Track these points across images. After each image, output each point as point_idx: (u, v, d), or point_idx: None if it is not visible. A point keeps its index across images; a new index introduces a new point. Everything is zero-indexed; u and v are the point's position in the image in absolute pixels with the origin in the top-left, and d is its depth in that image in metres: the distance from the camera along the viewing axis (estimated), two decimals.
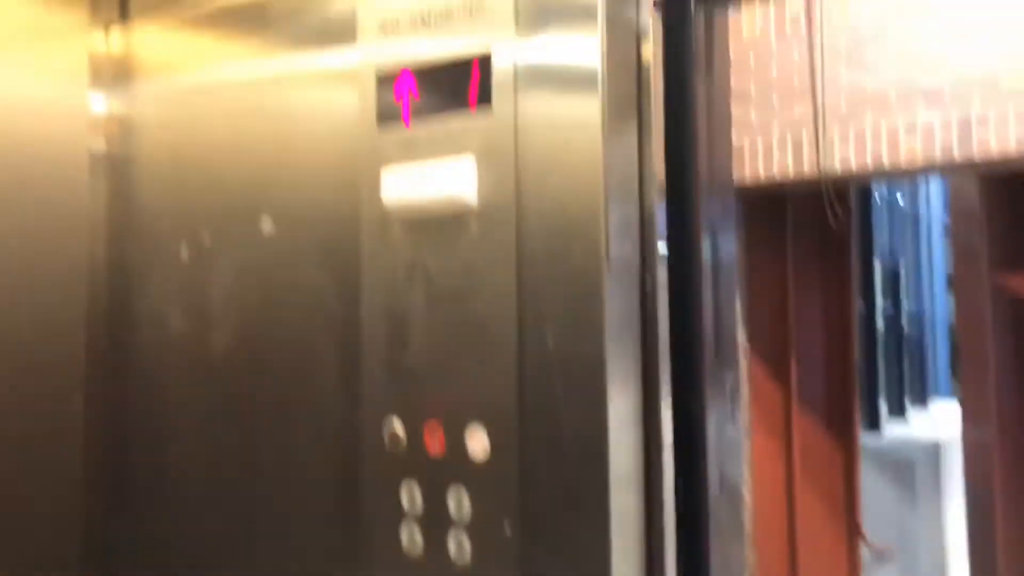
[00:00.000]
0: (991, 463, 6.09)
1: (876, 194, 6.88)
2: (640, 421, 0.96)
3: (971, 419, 6.32)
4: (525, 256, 0.96)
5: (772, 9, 4.23)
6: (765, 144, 4.27)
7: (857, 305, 5.43)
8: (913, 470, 5.36)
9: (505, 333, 0.97)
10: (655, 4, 1.01)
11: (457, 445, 0.99)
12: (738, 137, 4.39)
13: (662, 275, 0.99)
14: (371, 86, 1.07)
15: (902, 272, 7.97)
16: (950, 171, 5.37)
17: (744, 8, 4.37)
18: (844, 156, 4.07)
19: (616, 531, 0.91)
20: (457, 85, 1.01)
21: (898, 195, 8.22)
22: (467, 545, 0.98)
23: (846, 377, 4.83)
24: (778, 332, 4.71)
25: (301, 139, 1.17)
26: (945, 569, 6.31)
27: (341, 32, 1.12)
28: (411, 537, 1.01)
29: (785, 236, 4.79)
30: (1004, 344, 6.13)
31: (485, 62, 0.99)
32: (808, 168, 4.16)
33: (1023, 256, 6.33)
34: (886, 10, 4.01)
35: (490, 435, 0.97)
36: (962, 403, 6.51)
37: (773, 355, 4.71)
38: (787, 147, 4.23)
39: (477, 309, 0.99)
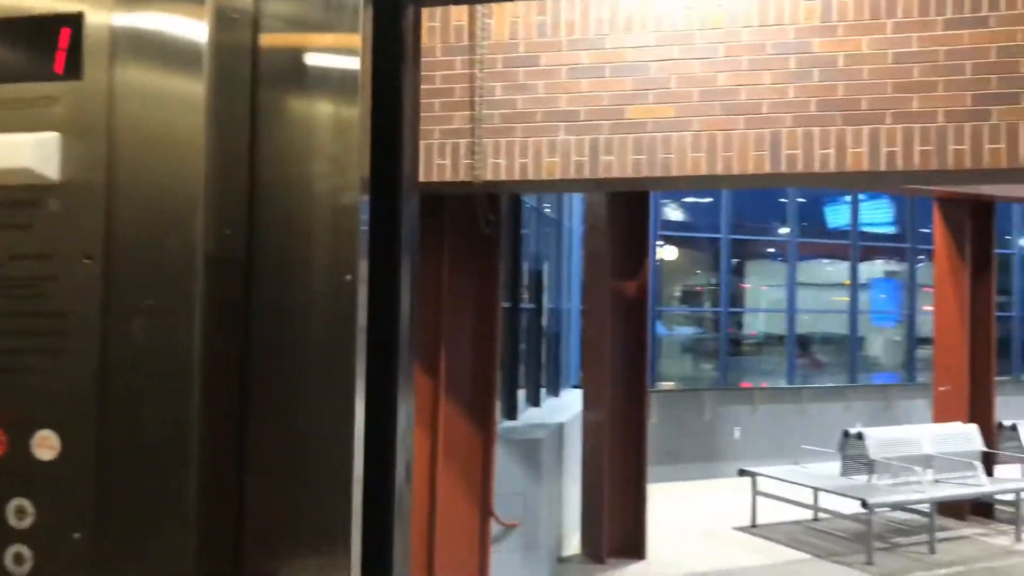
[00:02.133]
0: (603, 439, 7.05)
1: (526, 202, 7.51)
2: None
3: (590, 404, 7.27)
4: (115, 241, 0.89)
5: (439, 20, 4.43)
6: (426, 149, 4.45)
7: (504, 304, 5.90)
8: (539, 448, 6.00)
9: (86, 325, 0.89)
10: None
11: (20, 451, 0.89)
12: None
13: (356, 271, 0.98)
14: None
15: (546, 274, 8.82)
16: (582, 187, 6.07)
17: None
18: (496, 167, 4.40)
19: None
20: (42, 47, 0.90)
21: (547, 206, 9.08)
22: (27, 555, 0.88)
23: (488, 373, 5.22)
24: (432, 327, 4.94)
25: None
26: (561, 529, 7.18)
27: None
28: None
29: (442, 237, 5.03)
30: (617, 340, 7.13)
31: (76, 24, 0.90)
32: (464, 175, 4.42)
33: (637, 264, 7.40)
34: (537, 39, 4.41)
35: (62, 438, 0.88)
36: (584, 391, 7.47)
37: (428, 350, 4.93)
38: (446, 153, 4.45)
39: (54, 297, 0.90)
